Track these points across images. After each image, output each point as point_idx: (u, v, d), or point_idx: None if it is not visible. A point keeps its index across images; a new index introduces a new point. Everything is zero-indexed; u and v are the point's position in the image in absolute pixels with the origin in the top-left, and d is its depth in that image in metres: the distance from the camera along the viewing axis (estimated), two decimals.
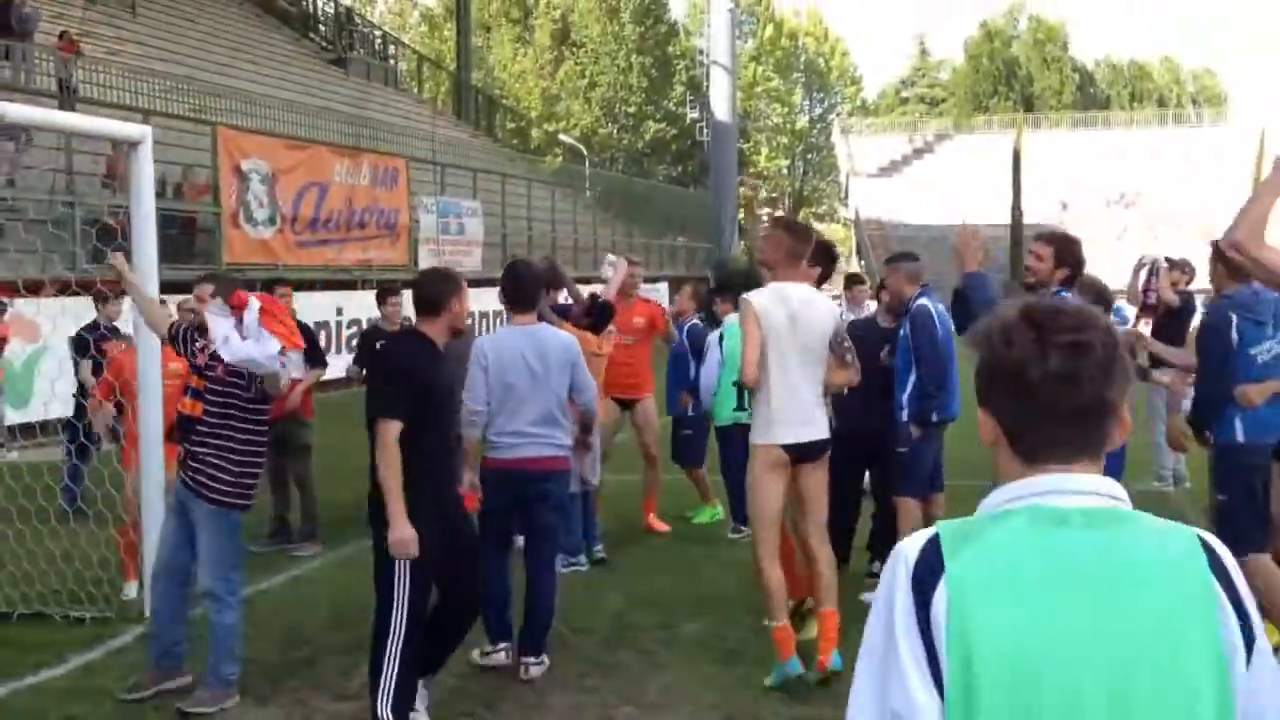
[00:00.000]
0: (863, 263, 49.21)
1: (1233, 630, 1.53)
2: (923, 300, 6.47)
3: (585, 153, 43.52)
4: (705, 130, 46.10)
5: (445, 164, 25.50)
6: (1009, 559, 1.53)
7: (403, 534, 4.47)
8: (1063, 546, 1.53)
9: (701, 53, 49.44)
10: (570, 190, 34.96)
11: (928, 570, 1.52)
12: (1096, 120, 60.96)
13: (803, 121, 70.37)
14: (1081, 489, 1.58)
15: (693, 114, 50.75)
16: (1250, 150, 48.95)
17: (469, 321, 7.48)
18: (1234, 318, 5.63)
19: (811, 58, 69.64)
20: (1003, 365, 1.61)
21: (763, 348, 5.11)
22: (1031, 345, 1.58)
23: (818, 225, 71.33)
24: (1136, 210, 50.25)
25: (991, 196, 52.01)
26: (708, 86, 43.38)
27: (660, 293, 32.22)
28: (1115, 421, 1.62)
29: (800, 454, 5.20)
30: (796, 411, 5.14)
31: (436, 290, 4.84)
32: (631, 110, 57.89)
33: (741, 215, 59.63)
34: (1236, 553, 4.17)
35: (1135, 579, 1.52)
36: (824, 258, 5.67)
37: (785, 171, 69.26)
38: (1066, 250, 5.37)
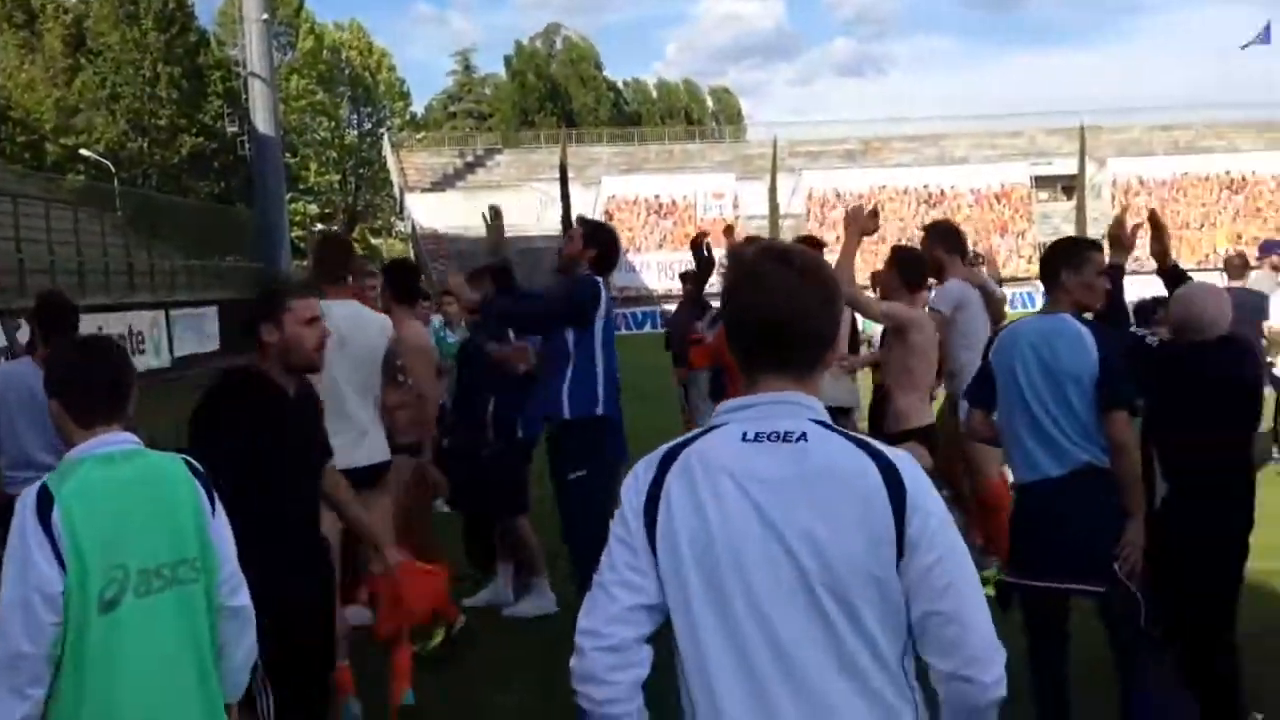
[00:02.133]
0: (423, 277, 48.91)
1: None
2: None
3: (113, 169, 39.93)
4: (247, 145, 43.89)
5: None
6: None
7: None
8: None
9: (237, 64, 47.01)
10: (97, 210, 31.81)
11: None
12: (633, 136, 64.62)
13: (352, 136, 69.00)
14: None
15: (232, 127, 48.13)
16: (768, 154, 54.14)
17: None
18: None
19: (357, 71, 68.44)
20: None
21: None
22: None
23: (374, 240, 70.22)
24: (676, 217, 53.77)
25: (544, 207, 53.78)
26: (247, 99, 41.29)
27: (209, 318, 30.15)
28: None
29: (356, 479, 4.88)
30: (348, 435, 4.85)
31: None
32: (162, 123, 53.98)
33: (299, 234, 57.39)
34: None
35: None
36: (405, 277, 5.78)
37: (337, 187, 67.56)
38: (594, 235, 5.48)
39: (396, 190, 60.06)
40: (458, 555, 6.84)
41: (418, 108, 79.13)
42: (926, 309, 6.19)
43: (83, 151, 44.18)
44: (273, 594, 3.06)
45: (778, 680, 1.89)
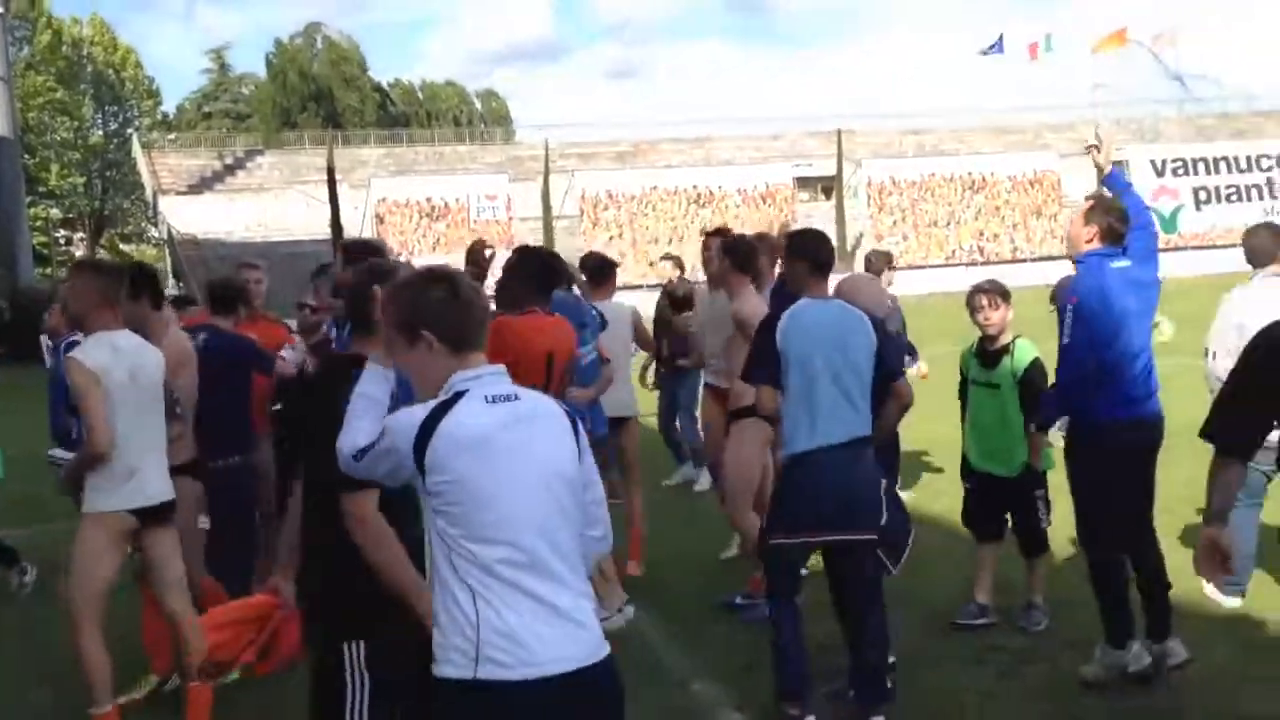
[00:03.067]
0: (181, 284, 46.56)
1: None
2: None
3: None
4: None
5: None
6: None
7: None
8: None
9: None
10: None
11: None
12: (401, 138, 63.48)
13: (97, 136, 64.97)
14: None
15: None
16: (539, 156, 54.24)
17: None
18: None
19: (100, 68, 64.49)
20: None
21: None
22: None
23: (124, 247, 66.32)
24: (448, 220, 53.15)
25: (311, 210, 52.07)
26: None
27: None
28: None
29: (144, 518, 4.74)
30: (137, 473, 4.65)
31: None
32: None
33: (41, 240, 53.63)
34: None
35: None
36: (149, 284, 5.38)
37: (82, 190, 63.41)
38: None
39: (149, 194, 56.84)
40: None
41: (169, 107, 75.36)
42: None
43: None
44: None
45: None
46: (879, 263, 9.00)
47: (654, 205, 54.97)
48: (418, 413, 2.57)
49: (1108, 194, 5.38)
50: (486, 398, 2.60)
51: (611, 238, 50.91)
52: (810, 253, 4.89)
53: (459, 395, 2.59)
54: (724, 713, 5.01)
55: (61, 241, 65.79)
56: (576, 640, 2.52)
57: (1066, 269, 5.57)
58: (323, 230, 47.05)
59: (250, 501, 6.05)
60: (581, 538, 2.67)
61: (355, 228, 50.56)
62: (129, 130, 64.59)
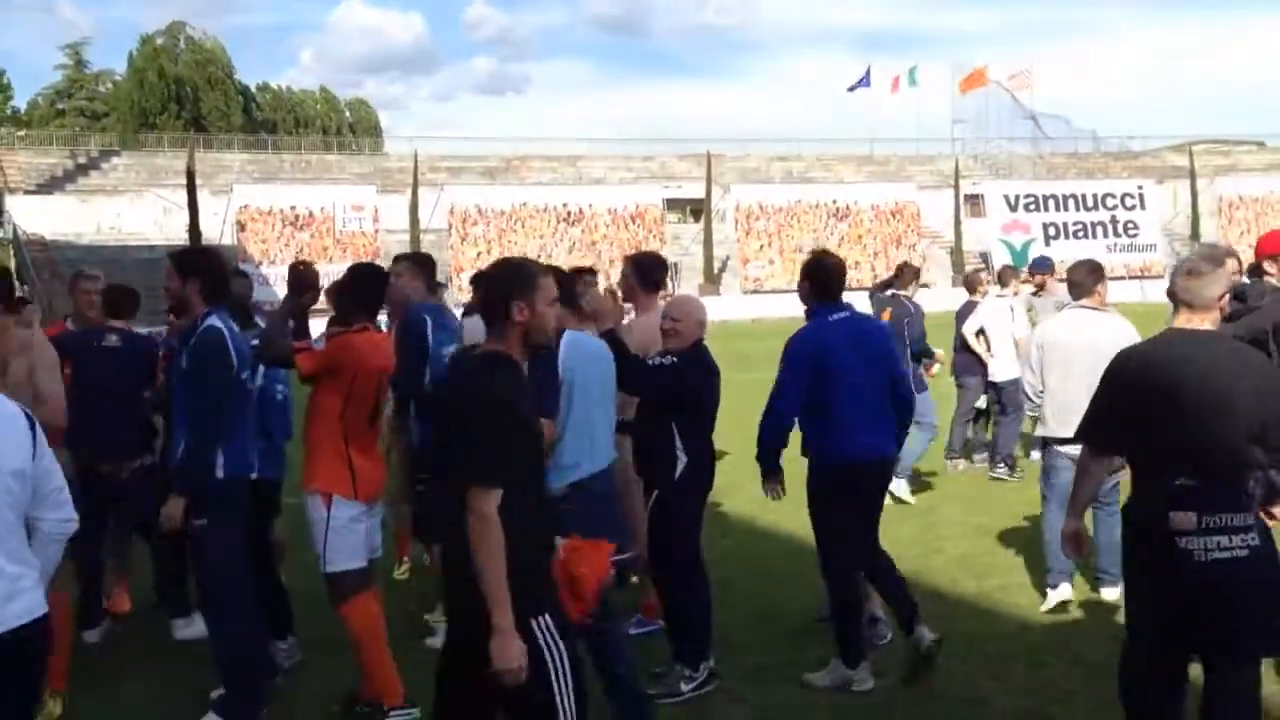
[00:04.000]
0: (27, 287, 44.45)
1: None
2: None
3: None
4: None
5: None
6: None
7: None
8: None
9: None
10: None
11: None
12: (267, 144, 62.02)
13: None
14: None
15: None
16: (409, 169, 53.59)
17: None
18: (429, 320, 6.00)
19: None
20: None
21: None
22: None
23: None
24: (312, 229, 52.09)
25: (168, 215, 50.44)
26: None
27: None
28: None
29: None
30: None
31: None
32: None
33: None
34: None
35: None
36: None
37: None
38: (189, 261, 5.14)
39: None
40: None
41: (19, 103, 72.20)
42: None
43: None
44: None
45: None
46: (908, 275, 10.03)
47: (523, 221, 54.80)
48: None
49: None
50: None
51: (480, 253, 50.57)
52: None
53: None
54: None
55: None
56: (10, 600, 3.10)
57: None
58: (180, 235, 45.65)
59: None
60: (46, 520, 3.31)
61: (215, 234, 49.15)
62: None
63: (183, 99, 74.47)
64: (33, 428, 3.26)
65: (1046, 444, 6.64)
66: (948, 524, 8.64)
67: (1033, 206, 59.02)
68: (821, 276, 5.45)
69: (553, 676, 3.35)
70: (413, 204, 52.15)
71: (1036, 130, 66.03)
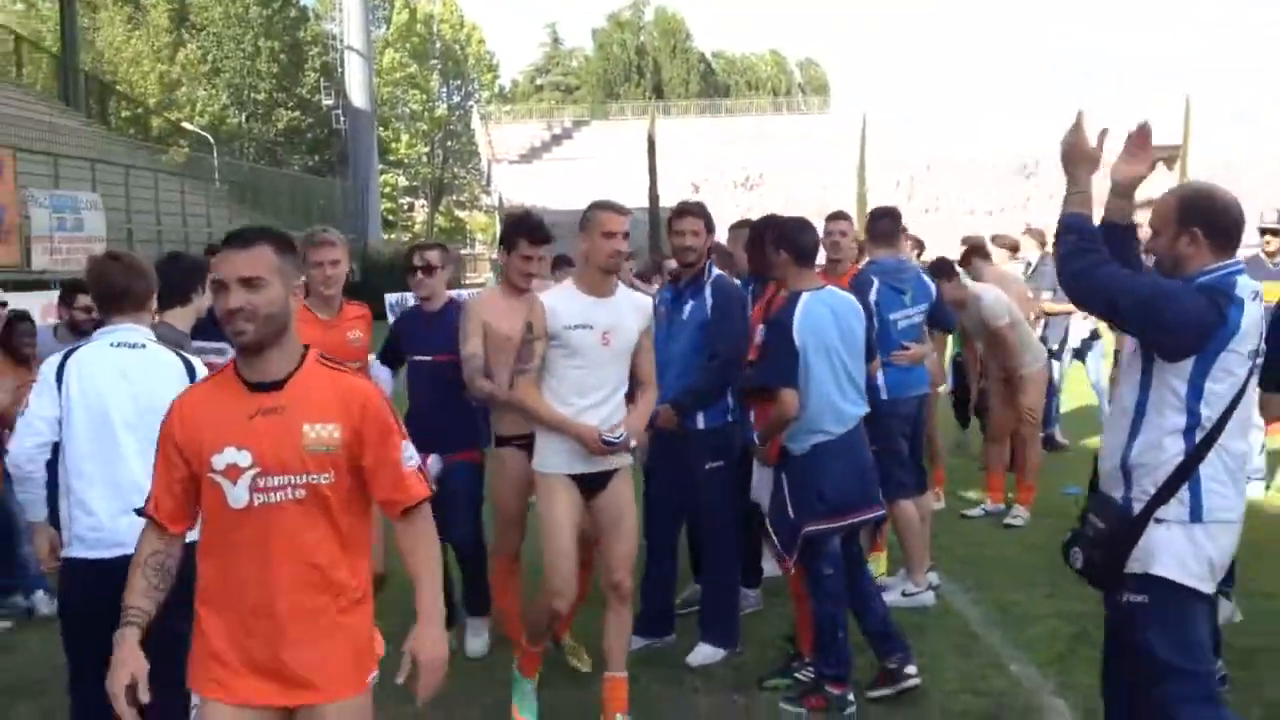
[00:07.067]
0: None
1: None
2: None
3: (213, 142, 41.19)
4: (341, 118, 44.88)
5: (58, 154, 23.33)
6: None
7: None
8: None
9: (334, 38, 48.04)
10: (200, 182, 32.99)
11: None
12: (720, 108, 64.51)
13: (441, 109, 69.97)
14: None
15: (328, 101, 49.22)
16: (855, 135, 53.67)
17: None
18: (875, 282, 6.21)
19: (448, 44, 69.33)
20: None
21: None
22: None
23: (459, 214, 71.12)
24: (759, 192, 53.73)
25: (629, 180, 54.04)
26: (343, 73, 42.25)
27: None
28: None
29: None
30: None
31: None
32: (261, 97, 55.38)
33: (388, 206, 58.53)
34: (886, 495, 4.90)
35: None
36: None
37: (425, 159, 68.62)
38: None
39: (484, 163, 60.80)
40: None
41: (505, 81, 79.97)
42: None
43: (186, 125, 45.55)
44: None
45: None
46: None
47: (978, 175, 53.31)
48: None
49: None
50: None
51: (927, 210, 49.82)
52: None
53: None
54: (1043, 697, 5.04)
55: (405, 207, 71.53)
56: None
57: None
58: (639, 198, 48.79)
59: None
60: None
61: (673, 198, 52.02)
62: (469, 103, 69.20)
63: (643, 69, 79.12)
64: (191, 374, 3.74)
65: None
66: None
67: None
68: None
69: None
70: (860, 164, 52.26)
71: None
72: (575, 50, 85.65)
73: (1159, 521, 3.24)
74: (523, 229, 5.30)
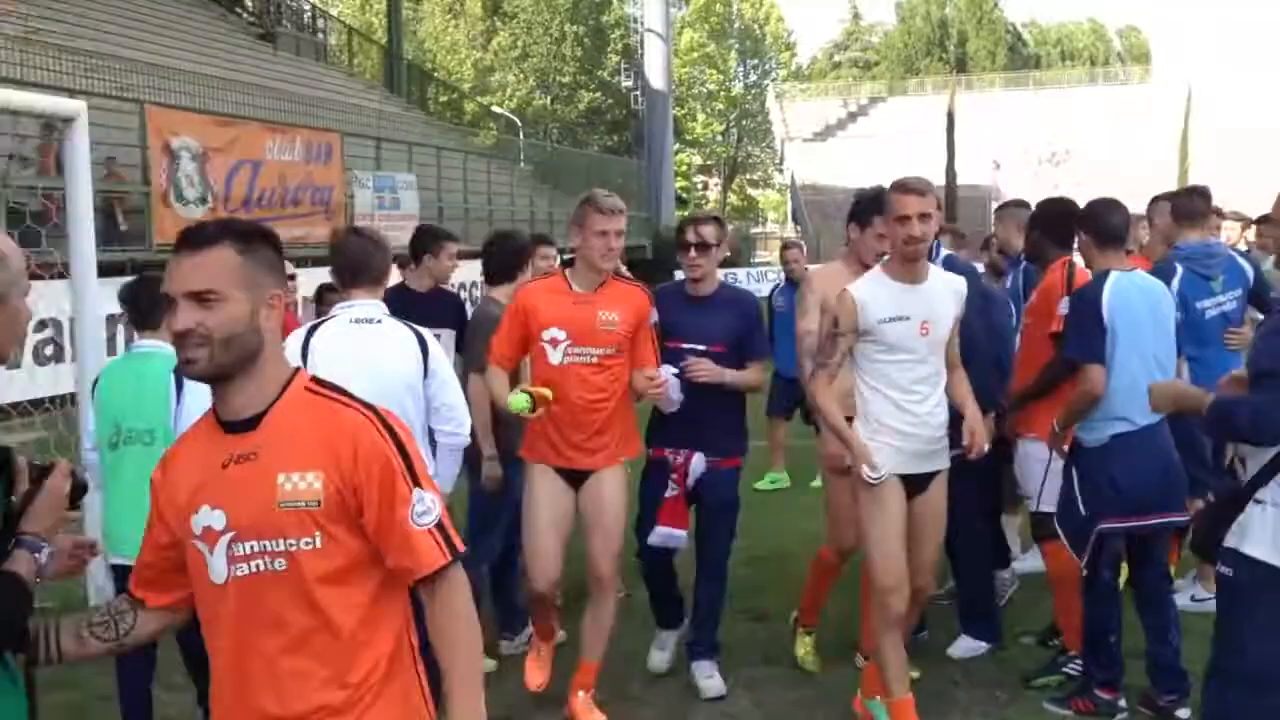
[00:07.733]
0: (799, 227, 49.39)
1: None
2: None
3: (519, 124, 43.22)
4: (640, 99, 45.97)
5: (381, 138, 25.19)
6: None
7: None
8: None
9: (635, 20, 49.24)
10: (505, 162, 34.72)
11: None
12: (1028, 80, 61.61)
13: (737, 88, 70.39)
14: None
15: (627, 83, 50.59)
16: (1178, 105, 49.96)
17: None
18: (1179, 270, 5.72)
19: (746, 23, 69.61)
20: None
21: None
22: None
23: (751, 192, 71.40)
24: (1067, 168, 50.98)
25: (926, 157, 52.50)
26: (642, 54, 43.23)
27: None
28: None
29: None
30: None
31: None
32: (565, 80, 57.53)
33: (682, 184, 59.65)
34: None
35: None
36: None
37: (720, 138, 69.26)
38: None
39: (778, 142, 60.76)
40: None
41: (802, 59, 79.46)
42: None
43: (495, 109, 48.02)
44: None
45: None
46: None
47: None
48: None
49: None
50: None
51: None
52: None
53: None
54: None
55: (699, 186, 72.52)
56: None
57: None
58: (936, 176, 47.35)
59: None
60: (439, 433, 4.21)
61: (972, 175, 50.21)
62: (766, 81, 69.24)
63: (946, 42, 76.58)
64: (424, 348, 3.96)
65: None
66: None
67: None
68: None
69: None
70: (1182, 139, 48.66)
71: None
72: (876, 25, 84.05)
73: (1258, 502, 3.32)
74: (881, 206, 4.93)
